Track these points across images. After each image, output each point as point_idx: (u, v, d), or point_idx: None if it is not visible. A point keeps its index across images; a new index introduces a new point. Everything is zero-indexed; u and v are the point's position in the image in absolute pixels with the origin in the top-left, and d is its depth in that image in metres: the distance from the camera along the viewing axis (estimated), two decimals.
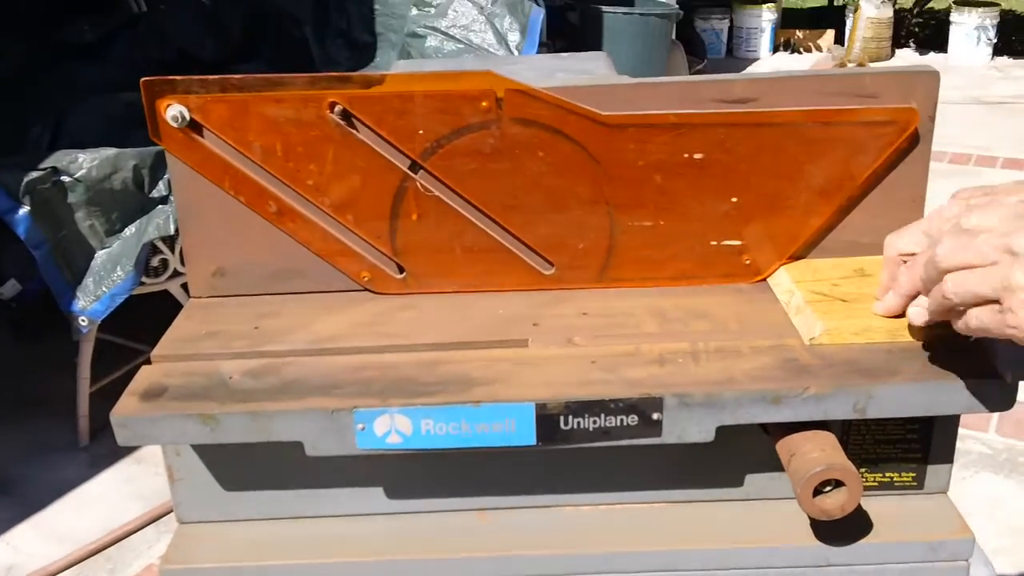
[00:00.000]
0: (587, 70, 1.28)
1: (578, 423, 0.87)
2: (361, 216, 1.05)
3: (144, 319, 2.60)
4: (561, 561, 0.96)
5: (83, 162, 2.65)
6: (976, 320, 0.75)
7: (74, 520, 2.60)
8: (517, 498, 1.00)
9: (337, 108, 1.00)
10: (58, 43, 3.71)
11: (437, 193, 1.04)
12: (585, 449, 0.89)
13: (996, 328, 0.74)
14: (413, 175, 1.03)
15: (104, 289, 2.69)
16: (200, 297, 1.10)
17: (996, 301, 0.73)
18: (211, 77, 0.99)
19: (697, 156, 1.02)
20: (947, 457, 0.99)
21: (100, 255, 2.71)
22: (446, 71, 1.00)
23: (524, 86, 0.99)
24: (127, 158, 2.71)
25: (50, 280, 2.65)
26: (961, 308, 0.77)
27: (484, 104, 1.00)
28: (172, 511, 2.53)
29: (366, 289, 1.08)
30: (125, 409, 0.88)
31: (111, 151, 2.71)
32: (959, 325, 0.79)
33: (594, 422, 0.87)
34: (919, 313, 0.86)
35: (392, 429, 0.87)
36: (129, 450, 2.84)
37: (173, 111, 1.00)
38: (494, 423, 0.88)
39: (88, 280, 2.68)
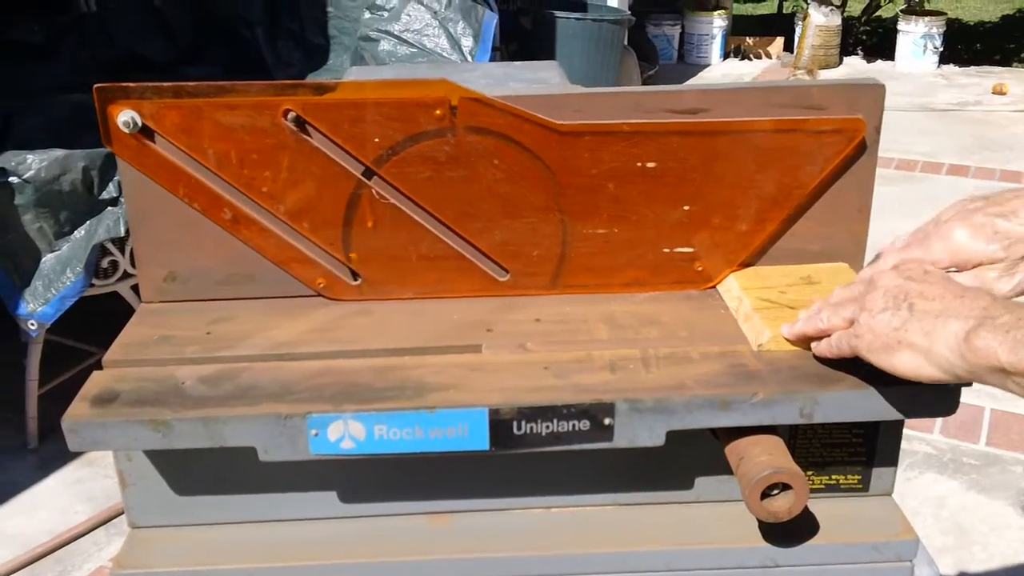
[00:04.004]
0: (540, 79, 1.29)
1: (531, 428, 0.88)
2: (317, 223, 1.05)
3: (93, 321, 2.58)
4: (512, 563, 0.97)
5: (32, 163, 2.62)
6: (835, 338, 0.89)
7: (23, 522, 2.56)
8: (469, 502, 1.00)
9: (291, 115, 1.00)
10: (5, 44, 3.65)
11: (393, 200, 1.04)
12: (537, 453, 0.90)
13: (846, 341, 0.87)
14: (368, 182, 1.03)
15: (53, 292, 2.66)
16: (151, 302, 1.10)
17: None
18: (165, 84, 0.99)
19: (650, 165, 1.04)
20: (892, 460, 1.01)
21: (49, 258, 2.67)
22: (400, 79, 1.00)
23: (478, 94, 1.00)
24: (76, 159, 2.68)
25: None
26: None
27: (438, 112, 1.00)
28: (122, 513, 2.51)
29: (319, 295, 1.09)
30: (76, 414, 0.88)
31: (60, 152, 2.67)
32: (820, 347, 0.92)
33: (547, 427, 0.88)
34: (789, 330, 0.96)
35: (346, 435, 0.88)
36: (79, 452, 2.81)
37: (124, 116, 1.00)
38: (448, 428, 0.88)
39: (37, 283, 2.65)
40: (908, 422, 1.01)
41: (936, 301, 0.81)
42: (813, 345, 0.94)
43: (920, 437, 2.83)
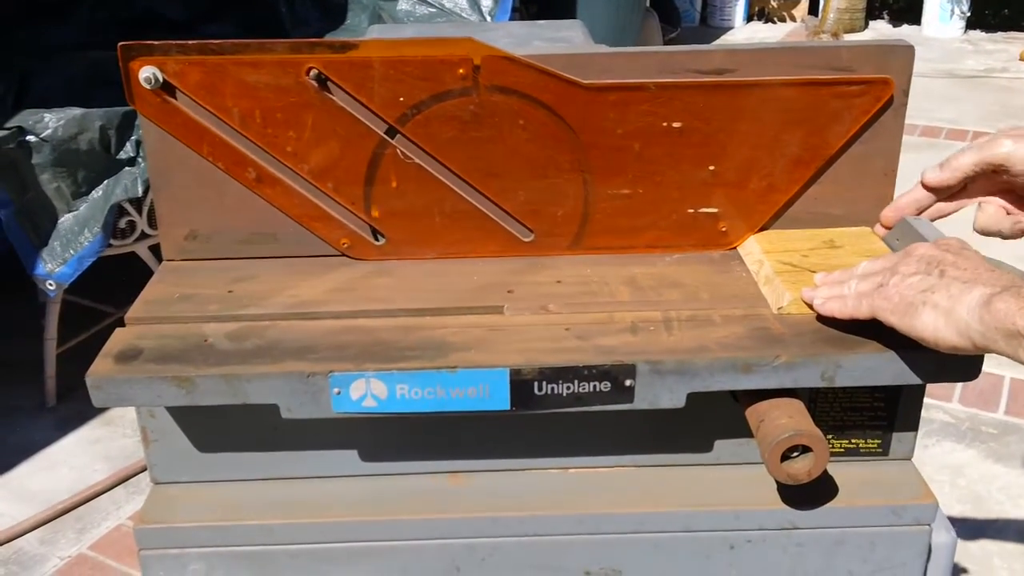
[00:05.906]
0: (563, 38, 1.28)
1: (552, 389, 0.88)
2: (341, 183, 1.05)
3: (110, 280, 2.59)
4: (531, 523, 0.97)
5: (49, 122, 2.61)
6: (855, 297, 0.90)
7: (42, 480, 2.59)
8: (489, 461, 1.01)
9: (315, 73, 1.00)
10: (23, 2, 3.64)
11: (417, 160, 1.04)
12: (558, 414, 0.90)
13: (867, 302, 0.88)
14: (392, 141, 1.03)
15: (71, 252, 2.66)
16: (173, 260, 1.10)
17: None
18: (189, 42, 0.99)
19: (676, 124, 1.03)
20: (912, 425, 1.01)
21: (67, 218, 2.68)
22: (425, 37, 1.00)
23: (502, 52, 0.99)
24: (94, 118, 2.67)
25: (15, 243, 2.62)
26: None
27: (461, 71, 1.00)
28: (140, 472, 2.53)
29: (343, 254, 1.09)
30: (100, 371, 0.88)
31: (77, 111, 2.67)
32: (829, 306, 0.92)
33: (567, 388, 0.89)
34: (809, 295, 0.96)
35: (367, 393, 0.88)
36: (97, 411, 2.83)
37: (146, 72, 0.99)
38: (469, 388, 0.88)
39: (55, 243, 2.65)
40: (927, 389, 1.01)
41: (968, 271, 0.84)
42: (817, 304, 0.94)
43: (938, 405, 2.82)
